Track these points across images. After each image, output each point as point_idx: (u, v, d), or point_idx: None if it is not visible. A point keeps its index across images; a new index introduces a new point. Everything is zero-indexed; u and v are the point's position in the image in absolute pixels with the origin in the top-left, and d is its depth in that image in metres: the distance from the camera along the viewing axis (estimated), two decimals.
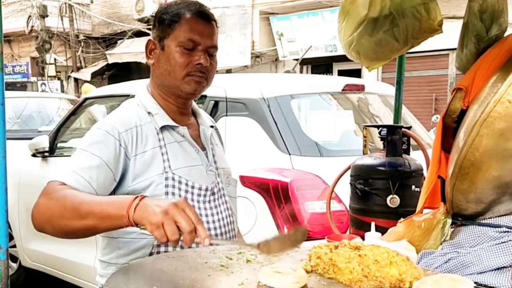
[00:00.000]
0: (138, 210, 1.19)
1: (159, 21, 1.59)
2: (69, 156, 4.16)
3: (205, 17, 1.58)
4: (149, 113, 1.59)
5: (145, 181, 1.50)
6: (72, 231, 1.34)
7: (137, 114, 1.57)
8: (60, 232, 1.36)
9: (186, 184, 1.55)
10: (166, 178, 1.52)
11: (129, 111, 1.59)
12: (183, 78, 1.56)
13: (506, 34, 1.62)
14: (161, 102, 1.62)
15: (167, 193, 1.51)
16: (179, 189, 1.53)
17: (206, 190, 1.59)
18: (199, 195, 1.58)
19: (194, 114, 1.73)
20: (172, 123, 1.59)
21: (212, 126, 1.75)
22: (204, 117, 1.75)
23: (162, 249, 1.51)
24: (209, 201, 1.60)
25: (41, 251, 4.14)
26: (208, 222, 1.57)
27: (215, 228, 1.58)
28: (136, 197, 1.22)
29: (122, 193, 1.50)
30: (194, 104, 1.73)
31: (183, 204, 1.16)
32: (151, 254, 1.51)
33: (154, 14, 1.65)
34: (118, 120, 1.53)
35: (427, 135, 3.73)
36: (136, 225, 1.21)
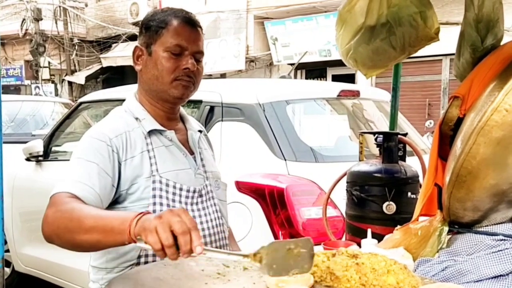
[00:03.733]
0: (139, 223, 1.17)
1: (146, 27, 1.62)
2: (64, 160, 4.13)
3: (191, 23, 1.61)
4: (136, 118, 1.61)
5: (134, 185, 1.52)
6: (78, 245, 1.33)
7: (125, 120, 1.60)
8: (67, 244, 1.36)
9: (174, 187, 1.56)
10: (154, 181, 1.53)
11: (117, 119, 1.61)
12: (171, 82, 1.58)
13: (502, 42, 1.63)
14: (148, 107, 1.64)
15: (154, 196, 1.52)
16: (167, 191, 1.54)
17: (194, 192, 1.61)
18: (187, 197, 1.59)
19: (182, 119, 1.75)
20: (160, 127, 1.61)
21: (200, 131, 1.77)
22: (192, 122, 1.77)
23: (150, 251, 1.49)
24: (197, 203, 1.61)
25: (35, 256, 4.11)
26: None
27: (203, 229, 1.59)
28: (141, 213, 1.21)
29: (116, 198, 1.51)
30: (181, 109, 1.75)
31: (179, 211, 1.15)
32: (139, 257, 1.52)
33: (142, 20, 1.67)
34: (107, 127, 1.55)
35: (421, 141, 3.74)
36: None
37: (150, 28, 1.60)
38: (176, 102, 1.65)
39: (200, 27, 1.63)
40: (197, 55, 1.61)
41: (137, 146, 1.55)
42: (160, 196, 1.53)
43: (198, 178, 1.64)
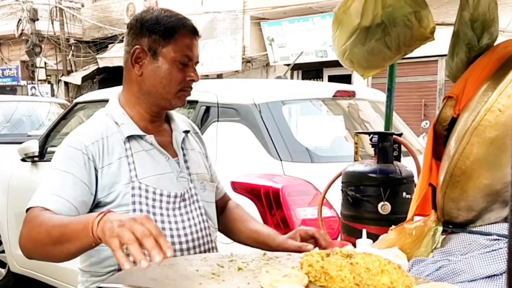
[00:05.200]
0: (100, 225, 1.16)
1: (150, 30, 1.55)
2: None
3: (196, 33, 1.60)
4: (116, 123, 1.57)
5: (112, 193, 1.50)
6: (54, 256, 1.34)
7: (105, 124, 1.57)
8: (45, 258, 1.37)
9: (154, 193, 1.53)
10: (133, 188, 1.50)
11: (97, 123, 1.58)
12: (176, 93, 1.57)
13: (496, 42, 1.63)
14: (132, 110, 1.61)
15: (134, 203, 1.49)
16: (146, 197, 1.51)
17: (175, 197, 1.57)
18: (168, 202, 1.55)
19: (168, 119, 1.71)
20: (139, 132, 1.57)
21: (188, 131, 1.73)
22: (178, 122, 1.72)
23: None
24: (179, 208, 1.58)
25: None
26: (178, 229, 1.55)
27: (185, 235, 1.56)
28: (101, 213, 1.19)
29: (94, 205, 1.50)
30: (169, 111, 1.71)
31: (142, 219, 1.13)
32: None
33: (138, 20, 1.59)
34: (84, 134, 1.53)
35: (416, 141, 3.75)
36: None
37: (155, 31, 1.55)
38: (173, 109, 1.65)
39: (200, 36, 1.63)
40: (196, 63, 1.62)
41: (114, 152, 1.52)
42: (140, 203, 1.50)
43: (181, 181, 1.61)
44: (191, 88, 1.60)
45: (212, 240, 1.67)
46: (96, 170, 1.49)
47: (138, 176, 1.52)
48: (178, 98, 1.58)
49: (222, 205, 1.85)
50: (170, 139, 1.66)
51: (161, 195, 1.54)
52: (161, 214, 1.53)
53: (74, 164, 1.47)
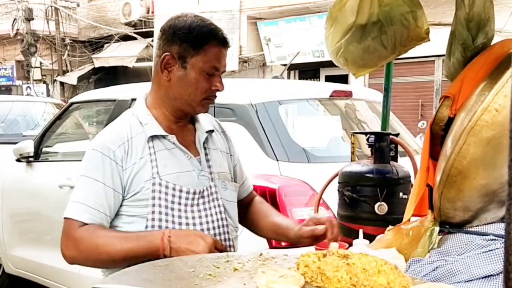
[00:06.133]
0: (173, 249, 1.47)
1: (181, 39, 1.59)
2: (54, 161, 4.09)
3: (226, 45, 1.65)
4: (140, 123, 1.64)
5: (135, 190, 1.58)
6: (108, 266, 1.60)
7: (130, 125, 1.64)
8: (98, 267, 1.63)
9: (173, 189, 1.59)
10: (153, 184, 1.57)
11: (122, 124, 1.65)
12: (201, 101, 1.64)
13: (492, 42, 1.63)
14: (157, 111, 1.67)
15: (153, 198, 1.57)
16: (166, 193, 1.58)
17: (194, 193, 1.62)
18: (186, 198, 1.61)
19: (193, 120, 1.77)
20: (162, 133, 1.64)
21: (212, 131, 1.78)
22: (202, 122, 1.77)
23: None
24: (198, 204, 1.63)
25: (25, 257, 4.08)
26: (195, 225, 1.61)
27: (202, 231, 1.61)
28: (164, 235, 1.49)
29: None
30: None
31: (198, 234, 1.52)
32: None
33: (171, 26, 1.63)
34: (111, 138, 1.60)
35: (413, 141, 3.75)
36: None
37: (186, 40, 1.59)
38: (195, 115, 1.73)
39: (229, 46, 1.68)
40: (223, 72, 1.67)
41: (138, 152, 1.60)
42: (159, 198, 1.57)
43: (202, 179, 1.66)
44: (216, 97, 1.66)
45: (231, 238, 1.71)
46: (122, 172, 1.58)
47: (160, 173, 1.59)
48: (202, 106, 1.66)
49: (248, 201, 1.92)
50: (193, 139, 1.72)
51: (180, 191, 1.60)
52: (179, 210, 1.60)
53: (103, 171, 1.56)
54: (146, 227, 1.56)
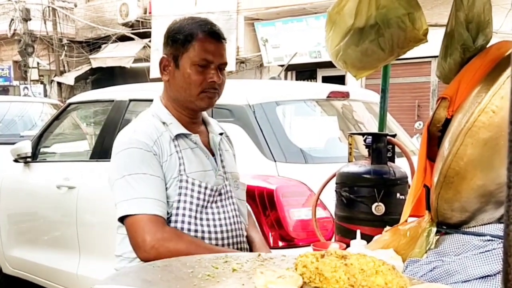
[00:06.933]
0: None
1: (172, 40, 1.69)
2: (52, 161, 4.08)
3: (216, 37, 1.69)
4: (163, 123, 1.70)
5: (167, 185, 1.65)
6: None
7: (153, 125, 1.69)
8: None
9: (199, 186, 1.67)
10: (181, 181, 1.65)
11: (147, 124, 1.70)
12: (198, 94, 1.68)
13: (490, 44, 1.64)
14: (173, 113, 1.74)
15: (179, 194, 1.64)
16: (192, 190, 1.66)
17: (212, 190, 1.71)
18: (210, 195, 1.70)
19: (205, 122, 1.85)
20: (186, 131, 1.72)
21: (221, 133, 1.87)
22: (214, 125, 1.87)
23: None
24: (216, 201, 1.72)
25: (23, 258, 4.07)
26: (214, 220, 1.69)
27: (220, 225, 1.70)
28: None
29: None
30: (204, 113, 1.85)
31: None
32: None
33: (167, 30, 1.73)
34: (144, 135, 1.65)
35: (410, 142, 3.76)
36: None
37: (177, 41, 1.68)
38: (202, 110, 1.78)
39: (224, 38, 1.72)
40: (221, 66, 1.70)
41: (167, 150, 1.67)
42: (185, 194, 1.65)
43: (219, 178, 1.75)
44: (215, 89, 1.69)
45: (244, 235, 1.79)
46: (162, 166, 1.64)
47: (186, 170, 1.67)
48: (201, 100, 1.69)
49: None
50: (207, 140, 1.80)
51: (205, 188, 1.69)
52: (202, 206, 1.68)
53: (151, 165, 1.62)
54: (170, 221, 1.62)
